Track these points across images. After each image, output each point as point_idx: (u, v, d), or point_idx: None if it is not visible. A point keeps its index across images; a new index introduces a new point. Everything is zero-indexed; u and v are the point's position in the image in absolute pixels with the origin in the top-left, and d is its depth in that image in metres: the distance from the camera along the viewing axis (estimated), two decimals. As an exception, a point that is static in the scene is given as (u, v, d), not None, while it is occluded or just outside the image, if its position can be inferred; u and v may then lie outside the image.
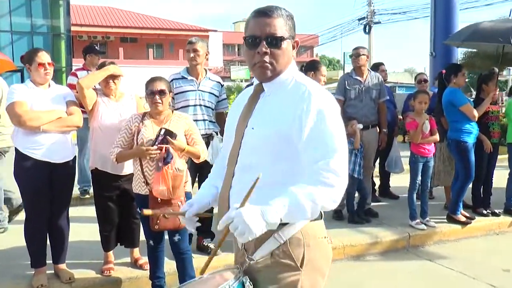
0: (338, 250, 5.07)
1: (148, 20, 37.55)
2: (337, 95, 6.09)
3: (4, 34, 20.46)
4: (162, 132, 3.57)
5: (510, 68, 14.56)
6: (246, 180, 1.83)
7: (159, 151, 3.54)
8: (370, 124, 6.05)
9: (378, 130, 6.24)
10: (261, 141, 1.89)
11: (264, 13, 1.90)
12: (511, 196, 6.20)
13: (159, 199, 3.51)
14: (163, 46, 39.53)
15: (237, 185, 1.95)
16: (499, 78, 6.44)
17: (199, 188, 4.90)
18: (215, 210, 2.10)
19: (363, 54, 6.05)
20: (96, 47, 6.71)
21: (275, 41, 1.87)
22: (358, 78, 6.03)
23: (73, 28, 23.73)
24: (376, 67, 7.02)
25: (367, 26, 25.88)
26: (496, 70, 8.17)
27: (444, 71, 6.17)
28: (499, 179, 6.43)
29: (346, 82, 6.05)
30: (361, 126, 5.79)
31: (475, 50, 13.41)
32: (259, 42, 1.88)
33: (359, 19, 26.62)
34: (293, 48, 1.97)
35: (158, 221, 3.59)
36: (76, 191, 6.67)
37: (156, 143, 3.56)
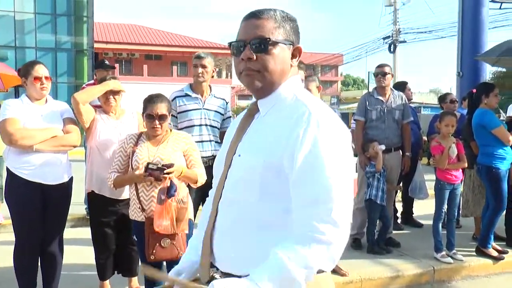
0: (355, 284, 4.68)
1: (172, 37, 37.79)
2: (357, 116, 5.75)
3: (29, 50, 20.81)
4: (150, 166, 3.24)
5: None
6: (231, 219, 1.54)
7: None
8: (393, 147, 5.64)
9: (401, 154, 5.82)
10: (247, 171, 1.54)
11: (253, 15, 1.58)
12: (547, 227, 5.70)
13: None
14: (187, 64, 39.73)
15: (221, 225, 1.62)
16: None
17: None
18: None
19: (389, 73, 5.68)
20: (106, 62, 6.48)
21: (262, 45, 1.54)
22: (380, 98, 5.65)
23: (98, 45, 24.01)
24: (401, 86, 6.64)
25: (392, 45, 25.49)
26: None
27: (474, 90, 5.78)
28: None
29: (367, 102, 5.67)
30: (383, 147, 5.42)
31: (504, 70, 12.98)
32: (244, 47, 1.55)
33: (384, 38, 26.24)
34: (294, 56, 1.62)
35: (154, 251, 3.27)
36: (82, 211, 6.44)
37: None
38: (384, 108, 5.61)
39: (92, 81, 6.57)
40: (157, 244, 3.27)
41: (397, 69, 25.53)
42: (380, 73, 5.63)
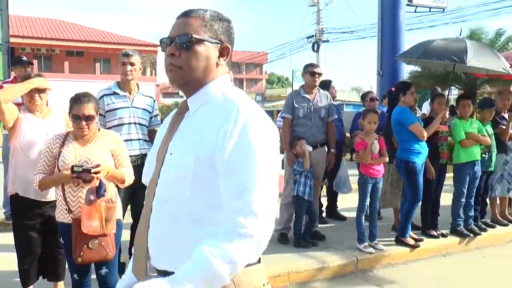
0: (282, 277, 4.80)
1: (95, 33, 36.57)
2: (284, 114, 5.89)
3: None
4: (75, 169, 3.16)
5: (452, 88, 14.84)
6: (164, 217, 1.56)
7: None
8: (319, 143, 5.84)
9: (326, 150, 6.03)
10: (179, 169, 1.57)
11: (184, 14, 1.64)
12: (457, 216, 6.11)
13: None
14: (111, 61, 38.63)
15: (156, 223, 1.63)
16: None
17: (132, 216, 4.57)
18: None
19: (320, 73, 5.88)
20: (24, 58, 6.20)
21: (185, 42, 1.59)
22: (307, 96, 5.83)
23: (14, 40, 22.72)
24: (326, 85, 6.86)
25: (316, 44, 26.07)
26: (439, 89, 8.21)
27: (393, 89, 6.08)
28: (449, 199, 6.34)
29: (294, 100, 5.83)
30: (310, 148, 5.59)
31: (420, 69, 13.67)
32: (171, 43, 1.61)
33: (308, 37, 26.78)
34: (222, 55, 1.67)
35: (81, 253, 3.20)
36: (0, 215, 6.14)
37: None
38: (310, 106, 5.79)
39: (10, 79, 6.28)
40: (85, 245, 3.20)
41: (321, 68, 26.08)
42: (312, 72, 5.82)
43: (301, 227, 5.65)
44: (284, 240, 5.71)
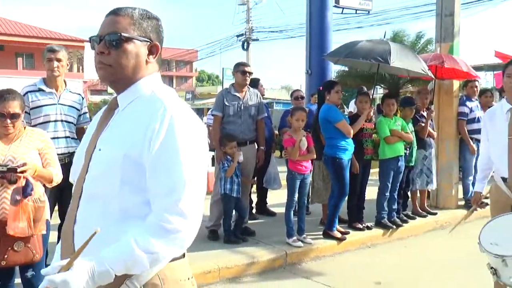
0: (213, 273, 4.83)
1: (17, 26, 34.84)
2: (215, 111, 5.93)
3: None
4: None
5: (378, 87, 15.50)
6: (92, 213, 1.56)
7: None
8: (248, 140, 5.92)
9: (256, 147, 6.13)
10: (107, 165, 1.58)
11: (112, 12, 1.65)
12: (381, 209, 6.39)
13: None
14: (34, 56, 36.94)
15: (82, 220, 1.63)
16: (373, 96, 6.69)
17: (59, 217, 4.44)
18: None
19: (251, 72, 5.96)
20: None
21: (114, 40, 1.60)
22: (237, 94, 5.89)
23: None
24: (254, 83, 6.94)
25: (246, 42, 26.30)
26: (365, 88, 8.54)
27: (321, 87, 6.26)
28: (373, 193, 6.62)
29: (224, 98, 5.88)
30: (241, 158, 5.66)
31: (347, 69, 14.14)
32: (100, 41, 1.61)
33: (238, 36, 26.98)
34: (151, 53, 1.69)
35: (5, 256, 3.07)
36: None
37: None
38: (241, 104, 5.86)
39: None
40: (9, 248, 3.07)
41: (251, 66, 26.35)
42: (243, 71, 5.89)
43: (230, 224, 5.70)
44: (214, 237, 5.75)
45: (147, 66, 1.68)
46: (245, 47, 26.37)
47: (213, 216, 5.84)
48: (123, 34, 1.60)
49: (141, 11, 1.68)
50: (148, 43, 1.67)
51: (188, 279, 1.70)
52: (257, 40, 27.00)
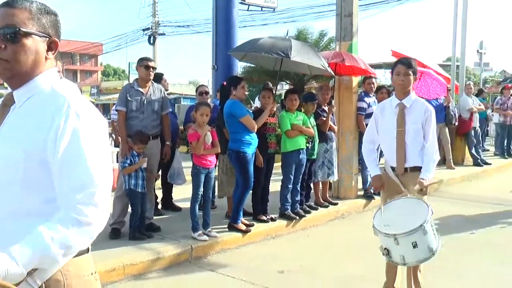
0: (117, 271, 4.75)
1: None
2: (119, 106, 5.83)
3: None
4: None
5: (284, 83, 15.91)
6: None
7: None
8: (152, 135, 5.86)
9: (161, 142, 6.09)
10: (6, 163, 1.53)
11: (6, 4, 1.58)
12: (285, 201, 6.59)
13: None
14: None
15: None
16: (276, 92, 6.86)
17: None
18: None
19: (155, 67, 5.90)
20: None
21: (11, 34, 1.54)
22: (140, 89, 5.81)
23: None
24: (158, 78, 6.86)
25: (152, 37, 25.86)
26: (270, 84, 8.74)
27: (225, 83, 6.33)
28: (277, 185, 6.79)
29: (128, 93, 5.78)
30: (145, 165, 5.62)
31: (253, 65, 14.35)
32: None
33: (144, 30, 26.46)
34: (50, 49, 1.64)
35: None
36: None
37: None
38: (144, 99, 5.79)
39: None
40: None
41: (157, 61, 26.05)
42: (146, 66, 5.80)
43: (136, 220, 5.62)
44: (116, 235, 5.64)
45: (46, 62, 1.63)
46: (151, 41, 25.91)
47: (116, 213, 5.72)
48: (22, 28, 1.54)
49: (39, 5, 1.62)
50: (47, 39, 1.63)
51: (92, 274, 1.70)
52: (163, 34, 26.65)
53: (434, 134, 4.05)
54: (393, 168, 4.12)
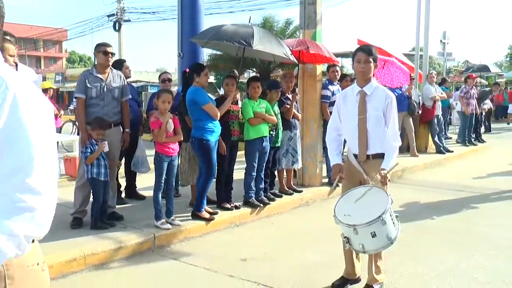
0: (78, 261, 4.68)
1: None
2: (77, 94, 5.70)
3: None
4: None
5: (250, 71, 15.86)
6: None
7: None
8: (113, 123, 5.77)
9: (122, 130, 6.00)
10: None
11: None
12: (249, 189, 6.59)
13: None
14: None
15: None
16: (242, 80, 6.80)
17: None
18: None
19: (113, 53, 5.80)
20: None
21: None
22: (100, 76, 5.70)
23: None
24: (119, 64, 6.74)
25: (117, 23, 25.38)
26: (236, 72, 8.68)
27: (187, 70, 6.26)
28: (241, 173, 6.79)
29: (86, 80, 5.65)
30: (107, 149, 5.53)
31: (219, 53, 14.24)
32: None
33: (109, 16, 25.95)
34: None
35: None
36: None
37: None
38: (103, 86, 5.68)
39: None
40: None
41: (123, 48, 25.65)
42: (110, 52, 5.71)
43: (99, 209, 5.54)
44: (77, 224, 5.56)
45: None
46: (116, 28, 25.43)
47: (77, 202, 5.64)
48: None
49: None
50: None
51: (37, 264, 1.63)
52: (129, 21, 26.18)
53: (395, 121, 4.08)
54: (355, 156, 4.15)
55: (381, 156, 4.02)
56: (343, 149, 4.45)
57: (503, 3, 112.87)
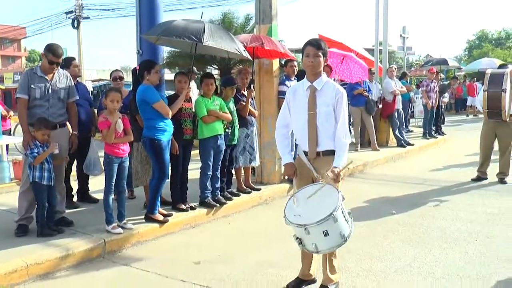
0: (20, 272, 4.42)
1: None
2: (20, 94, 5.40)
3: None
4: None
5: (212, 68, 15.61)
6: None
7: None
8: (58, 124, 5.50)
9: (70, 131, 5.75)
10: None
11: None
12: (205, 188, 6.41)
13: None
14: None
15: None
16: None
17: None
18: None
19: (62, 53, 5.52)
20: None
21: None
22: (44, 76, 5.42)
23: None
24: (67, 62, 6.46)
25: (76, 20, 24.73)
26: (195, 69, 8.49)
27: (138, 67, 6.04)
28: (196, 173, 6.60)
29: (30, 80, 5.36)
30: (57, 151, 5.28)
31: (179, 50, 13.96)
32: None
33: (67, 13, 25.25)
34: None
35: None
36: None
37: None
38: (48, 87, 5.41)
39: None
40: None
41: (82, 46, 25.05)
42: (56, 53, 5.43)
43: (44, 214, 5.27)
44: (22, 232, 5.29)
45: None
46: (75, 25, 24.78)
47: (22, 209, 5.37)
48: None
49: None
50: None
51: None
52: (88, 18, 25.55)
53: (345, 117, 3.97)
54: (305, 153, 4.03)
55: (331, 153, 3.91)
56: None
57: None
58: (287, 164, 4.11)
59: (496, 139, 8.45)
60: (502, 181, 8.38)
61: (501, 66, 11.44)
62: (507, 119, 7.92)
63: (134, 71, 6.18)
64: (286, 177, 4.17)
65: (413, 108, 17.02)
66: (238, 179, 7.28)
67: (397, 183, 8.73)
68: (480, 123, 8.82)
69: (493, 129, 8.34)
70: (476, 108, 21.30)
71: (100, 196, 6.64)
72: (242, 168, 7.30)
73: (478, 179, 8.58)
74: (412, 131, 15.61)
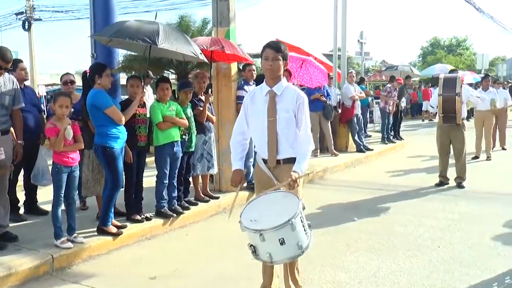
0: None
1: None
2: (-43, 100, 4.99)
3: None
4: None
5: (169, 72, 15.26)
6: None
7: None
8: (1, 131, 5.12)
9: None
10: None
11: None
12: (161, 198, 6.13)
13: None
14: None
15: None
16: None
17: None
18: None
19: (7, 68, 5.14)
20: None
21: None
22: None
23: None
24: (13, 65, 6.03)
25: (27, 22, 23.84)
26: (151, 73, 8.20)
27: (88, 71, 5.73)
28: (152, 181, 6.32)
29: None
30: (3, 157, 4.94)
31: (135, 53, 13.58)
32: None
33: (17, 14, 24.31)
34: None
35: None
36: None
37: None
38: None
39: None
40: None
41: (34, 49, 24.19)
42: (5, 68, 5.07)
43: (-15, 229, 4.89)
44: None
45: None
46: (26, 27, 23.89)
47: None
48: None
49: None
50: None
51: None
52: (40, 19, 24.68)
53: (307, 123, 3.80)
54: (265, 161, 3.84)
55: (293, 160, 3.73)
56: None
57: (416, 5, 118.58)
58: (235, 171, 3.91)
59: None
60: (459, 185, 8.46)
61: (451, 71, 11.58)
62: (460, 123, 8.08)
63: (84, 74, 5.85)
64: (234, 185, 3.96)
65: (372, 113, 17.18)
66: (196, 188, 7.02)
67: (357, 188, 8.68)
68: (435, 128, 8.88)
69: (447, 133, 8.43)
70: (431, 113, 21.75)
71: (50, 207, 6.28)
72: (200, 176, 7.05)
73: (441, 183, 8.65)
74: (370, 136, 15.72)
